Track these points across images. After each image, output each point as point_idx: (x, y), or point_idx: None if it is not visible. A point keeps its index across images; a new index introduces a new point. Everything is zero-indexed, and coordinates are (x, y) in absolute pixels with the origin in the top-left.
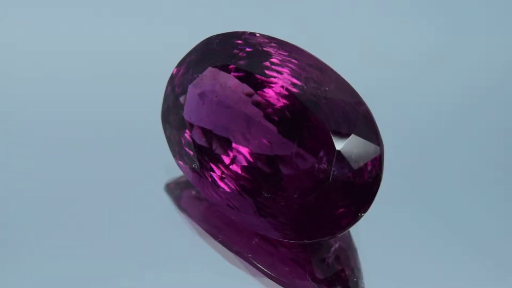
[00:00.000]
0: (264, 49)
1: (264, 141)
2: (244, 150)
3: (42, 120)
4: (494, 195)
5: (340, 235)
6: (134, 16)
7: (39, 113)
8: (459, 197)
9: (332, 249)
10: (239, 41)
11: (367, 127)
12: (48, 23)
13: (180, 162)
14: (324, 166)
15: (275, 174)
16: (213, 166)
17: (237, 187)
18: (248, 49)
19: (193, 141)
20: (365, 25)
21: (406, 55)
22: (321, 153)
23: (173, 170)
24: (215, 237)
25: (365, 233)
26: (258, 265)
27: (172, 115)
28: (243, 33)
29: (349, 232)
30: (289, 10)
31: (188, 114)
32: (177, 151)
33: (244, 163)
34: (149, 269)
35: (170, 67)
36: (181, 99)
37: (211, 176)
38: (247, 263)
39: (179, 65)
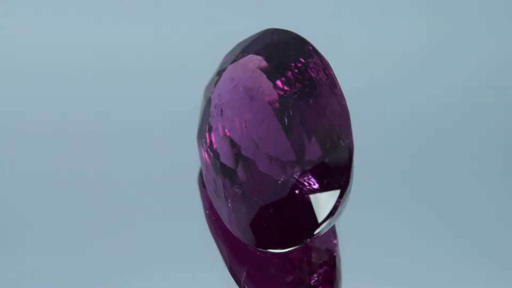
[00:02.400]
0: (304, 59)
1: (272, 137)
2: (248, 139)
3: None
4: (490, 194)
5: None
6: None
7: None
8: (455, 196)
9: (315, 275)
10: (290, 42)
11: (341, 162)
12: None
13: (197, 139)
14: (292, 180)
15: (263, 173)
16: (214, 144)
17: (225, 175)
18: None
19: (210, 117)
20: (358, 24)
21: (403, 54)
22: (296, 169)
23: None
24: (208, 221)
25: (354, 232)
26: (225, 255)
27: (208, 90)
28: (299, 37)
29: (339, 258)
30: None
31: (217, 91)
32: (200, 126)
33: (243, 152)
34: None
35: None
36: (218, 77)
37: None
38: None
39: (238, 44)
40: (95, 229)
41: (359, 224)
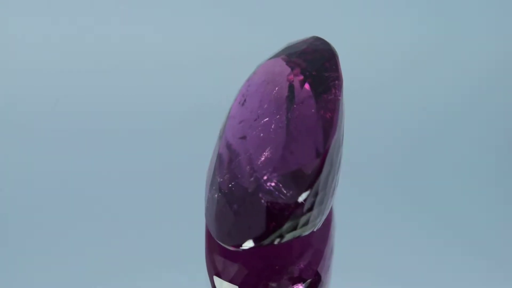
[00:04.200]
0: (328, 72)
1: (272, 134)
2: (255, 132)
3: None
4: (488, 193)
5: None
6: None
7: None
8: (453, 196)
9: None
10: (325, 53)
11: (311, 176)
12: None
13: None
14: (261, 182)
15: (252, 167)
16: (227, 130)
17: (221, 162)
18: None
19: (234, 104)
20: (357, 23)
21: (402, 54)
22: (271, 171)
23: None
24: None
25: (353, 232)
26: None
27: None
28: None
29: (321, 280)
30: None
31: (249, 82)
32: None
33: (248, 144)
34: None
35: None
36: (256, 69)
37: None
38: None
39: (286, 44)
40: (101, 229)
41: (357, 224)
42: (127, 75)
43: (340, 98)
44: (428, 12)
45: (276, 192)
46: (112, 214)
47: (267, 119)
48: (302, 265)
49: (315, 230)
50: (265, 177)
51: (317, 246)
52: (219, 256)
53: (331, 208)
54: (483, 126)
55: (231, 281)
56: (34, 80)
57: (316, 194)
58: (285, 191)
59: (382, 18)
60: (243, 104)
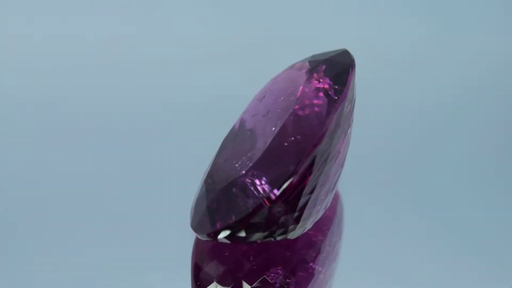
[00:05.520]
0: (339, 84)
1: (270, 132)
2: (261, 127)
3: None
4: (488, 193)
5: None
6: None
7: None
8: (452, 196)
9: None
10: (345, 66)
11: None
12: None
13: None
14: (240, 175)
15: (250, 150)
16: (240, 121)
17: (220, 152)
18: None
19: (255, 97)
20: (355, 23)
21: (401, 53)
22: (251, 167)
23: None
24: None
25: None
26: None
27: None
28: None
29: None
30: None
31: (274, 80)
32: None
33: (257, 134)
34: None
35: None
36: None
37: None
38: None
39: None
40: (101, 228)
41: (357, 224)
42: (127, 75)
43: (336, 110)
44: (428, 12)
45: (251, 188)
46: (113, 214)
47: (272, 116)
48: (281, 271)
49: (289, 237)
50: (243, 172)
51: (303, 256)
52: (200, 247)
53: (334, 229)
54: (483, 126)
55: (207, 273)
56: (34, 80)
57: (287, 200)
58: (259, 188)
59: (382, 18)
60: (261, 100)
